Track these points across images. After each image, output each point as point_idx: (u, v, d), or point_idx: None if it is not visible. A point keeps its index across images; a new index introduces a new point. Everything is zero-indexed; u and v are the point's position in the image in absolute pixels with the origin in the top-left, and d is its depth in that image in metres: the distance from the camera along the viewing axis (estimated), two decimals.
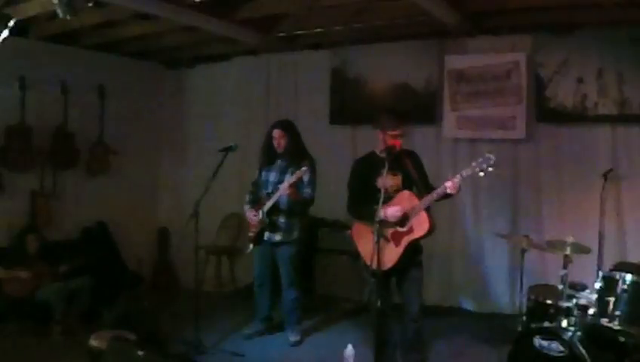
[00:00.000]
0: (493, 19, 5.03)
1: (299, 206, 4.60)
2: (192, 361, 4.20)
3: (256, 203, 4.72)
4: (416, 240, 3.70)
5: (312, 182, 4.57)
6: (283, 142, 4.59)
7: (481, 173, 3.48)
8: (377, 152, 3.92)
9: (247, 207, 4.75)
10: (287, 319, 4.82)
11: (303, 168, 4.33)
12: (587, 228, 4.71)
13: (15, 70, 5.36)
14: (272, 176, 4.63)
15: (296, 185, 4.42)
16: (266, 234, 4.63)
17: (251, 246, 4.75)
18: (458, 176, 3.52)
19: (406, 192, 3.75)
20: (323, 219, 5.99)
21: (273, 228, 4.60)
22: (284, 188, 4.37)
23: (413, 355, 3.92)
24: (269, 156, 4.69)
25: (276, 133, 4.61)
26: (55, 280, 4.88)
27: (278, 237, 4.62)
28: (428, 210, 3.67)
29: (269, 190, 4.61)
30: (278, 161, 4.66)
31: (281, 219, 4.60)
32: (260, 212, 4.59)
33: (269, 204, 4.54)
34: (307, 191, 4.55)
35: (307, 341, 4.79)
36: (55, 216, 5.76)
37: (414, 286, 3.85)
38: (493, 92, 5.23)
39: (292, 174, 4.42)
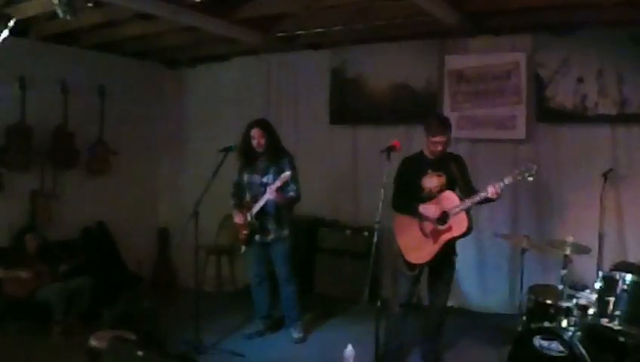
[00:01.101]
0: (493, 19, 5.02)
1: (286, 206, 4.64)
2: (192, 361, 4.20)
3: (241, 205, 4.73)
4: (454, 239, 3.90)
5: (295, 180, 4.58)
6: (263, 141, 4.58)
7: (521, 180, 3.68)
8: (425, 153, 4.08)
9: (234, 211, 4.76)
10: (288, 315, 4.87)
11: (287, 173, 4.36)
12: (587, 228, 4.71)
13: (15, 70, 5.36)
14: (256, 178, 4.65)
15: (281, 187, 4.44)
16: (257, 237, 4.66)
17: (244, 247, 4.78)
18: (500, 183, 3.67)
19: (448, 192, 3.92)
20: (323, 219, 6.00)
21: (263, 230, 4.63)
22: (270, 193, 4.39)
23: (431, 345, 4.22)
24: (248, 157, 4.69)
25: (255, 132, 4.60)
26: (55, 280, 4.88)
27: (269, 238, 4.66)
28: (467, 211, 3.84)
29: (254, 192, 4.63)
30: (258, 161, 4.66)
31: (270, 221, 4.63)
32: (249, 215, 4.61)
33: (256, 208, 4.55)
34: (292, 188, 4.57)
35: (307, 341, 4.79)
36: (55, 216, 5.76)
37: (445, 283, 4.16)
38: (493, 92, 5.23)
39: (274, 173, 4.48)
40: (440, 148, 3.97)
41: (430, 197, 3.97)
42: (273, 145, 4.63)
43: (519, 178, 3.66)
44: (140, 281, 6.40)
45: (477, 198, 3.75)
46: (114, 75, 6.33)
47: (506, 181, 3.67)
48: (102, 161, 6.22)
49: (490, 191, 3.67)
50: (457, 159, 4.12)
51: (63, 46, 5.79)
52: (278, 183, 4.36)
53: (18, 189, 5.51)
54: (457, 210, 3.80)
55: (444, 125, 4.00)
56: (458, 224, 3.83)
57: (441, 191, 3.96)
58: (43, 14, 4.79)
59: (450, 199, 3.87)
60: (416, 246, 3.97)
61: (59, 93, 5.77)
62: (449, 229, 3.85)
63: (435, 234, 3.90)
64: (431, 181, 4.01)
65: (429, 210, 3.90)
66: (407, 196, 4.00)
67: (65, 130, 5.81)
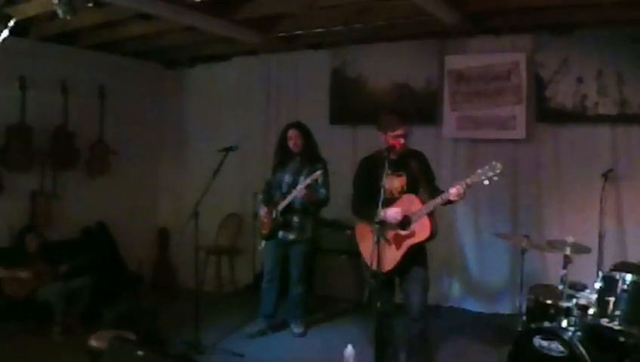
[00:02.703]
0: (493, 19, 5.03)
1: (314, 206, 4.73)
2: (192, 361, 4.20)
3: (269, 202, 4.80)
4: (417, 244, 3.68)
5: (326, 183, 4.68)
6: (300, 142, 4.70)
7: (486, 182, 3.43)
8: (382, 152, 3.80)
9: (260, 206, 4.87)
10: (291, 313, 4.93)
11: (318, 171, 4.45)
12: (587, 228, 4.71)
13: (15, 70, 5.36)
14: (287, 177, 4.74)
15: (311, 186, 4.51)
16: (281, 233, 4.73)
17: (264, 242, 4.85)
18: (463, 183, 3.47)
19: (410, 195, 3.72)
20: (323, 219, 5.98)
21: (287, 227, 4.70)
22: (299, 190, 4.47)
23: (416, 356, 3.90)
24: (282, 157, 4.80)
25: (292, 133, 4.72)
26: (55, 280, 4.88)
27: (292, 236, 4.72)
28: (431, 214, 3.63)
29: (284, 190, 4.71)
30: (292, 162, 4.77)
31: (295, 219, 4.70)
32: (274, 211, 4.68)
33: (284, 204, 4.64)
34: (322, 191, 4.66)
35: (307, 341, 4.80)
36: (55, 216, 5.75)
37: (416, 287, 3.80)
38: (493, 92, 5.23)
39: (306, 175, 4.56)
40: (402, 141, 3.74)
41: (392, 199, 3.73)
42: (309, 147, 4.75)
43: (482, 178, 3.42)
44: (139, 281, 6.40)
45: (439, 200, 3.54)
46: (114, 75, 6.33)
47: (469, 181, 3.45)
48: (102, 161, 6.22)
49: (453, 192, 3.46)
50: (419, 156, 3.87)
51: (63, 46, 5.79)
52: (308, 181, 4.44)
53: (18, 189, 5.50)
54: (419, 213, 3.59)
55: (402, 117, 3.79)
56: (421, 228, 3.61)
57: (402, 192, 3.74)
58: (43, 14, 4.78)
59: (411, 202, 3.66)
60: (379, 254, 3.61)
61: (59, 93, 5.76)
62: (412, 235, 3.63)
63: (398, 240, 3.68)
64: (391, 182, 3.73)
65: (389, 215, 3.62)
66: (368, 200, 3.68)
67: (65, 130, 5.80)
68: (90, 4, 4.03)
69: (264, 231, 4.81)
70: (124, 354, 3.30)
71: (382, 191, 3.53)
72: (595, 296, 3.55)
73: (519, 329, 3.88)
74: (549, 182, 5.16)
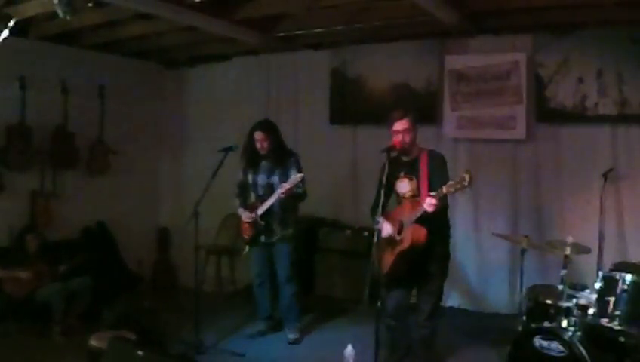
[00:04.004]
0: (493, 19, 5.03)
1: (292, 200, 4.59)
2: (192, 361, 4.20)
3: (246, 205, 4.73)
4: (403, 252, 3.63)
5: (302, 179, 4.53)
6: (266, 144, 4.56)
7: (453, 192, 3.37)
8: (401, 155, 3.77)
9: (241, 210, 4.75)
10: (286, 316, 4.85)
11: (299, 175, 4.38)
12: (587, 228, 4.71)
13: (15, 70, 5.36)
14: (261, 179, 4.64)
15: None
16: (263, 237, 4.66)
17: (247, 248, 4.78)
18: (435, 194, 3.41)
19: (407, 202, 3.70)
20: (323, 219, 6.00)
21: (269, 231, 4.63)
22: (283, 191, 4.37)
23: (418, 359, 3.97)
24: (252, 158, 4.67)
25: (258, 135, 4.57)
26: (55, 280, 4.88)
27: (274, 238, 4.66)
28: (421, 224, 3.55)
29: (260, 193, 4.64)
30: (263, 162, 4.65)
31: (276, 221, 4.62)
32: (254, 215, 4.60)
33: (264, 208, 4.55)
34: (298, 190, 4.54)
35: (307, 341, 4.80)
36: (55, 216, 5.75)
37: (426, 296, 3.86)
38: (493, 92, 5.23)
39: (280, 174, 4.50)
40: (400, 138, 3.67)
41: (399, 203, 3.73)
42: (277, 146, 4.61)
43: (452, 190, 3.36)
44: (139, 281, 6.40)
45: (418, 213, 3.48)
46: (114, 75, 6.33)
47: (444, 190, 3.38)
48: (102, 160, 6.22)
49: (427, 201, 3.40)
50: (433, 158, 3.77)
51: (63, 46, 5.79)
52: (287, 185, 4.35)
53: (18, 189, 5.51)
54: (407, 222, 3.56)
55: (400, 112, 3.70)
56: (406, 237, 3.57)
57: (413, 196, 3.68)
58: (43, 14, 4.79)
59: (405, 209, 3.65)
60: (382, 254, 3.74)
61: (59, 93, 5.76)
62: (401, 241, 3.62)
63: (393, 245, 3.69)
64: (402, 185, 3.73)
65: (384, 230, 3.64)
66: (385, 202, 3.66)
67: (65, 130, 5.80)
68: (90, 4, 4.04)
69: (246, 236, 4.72)
70: (124, 354, 3.30)
71: (382, 194, 3.55)
72: (595, 296, 3.55)
73: (519, 329, 3.88)
74: (549, 182, 5.16)
